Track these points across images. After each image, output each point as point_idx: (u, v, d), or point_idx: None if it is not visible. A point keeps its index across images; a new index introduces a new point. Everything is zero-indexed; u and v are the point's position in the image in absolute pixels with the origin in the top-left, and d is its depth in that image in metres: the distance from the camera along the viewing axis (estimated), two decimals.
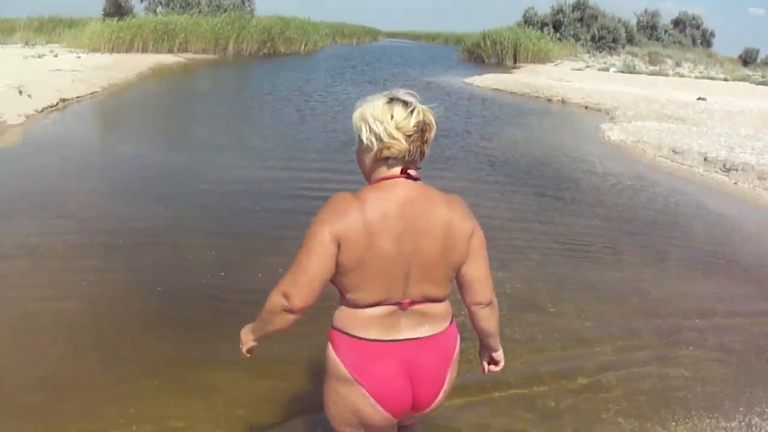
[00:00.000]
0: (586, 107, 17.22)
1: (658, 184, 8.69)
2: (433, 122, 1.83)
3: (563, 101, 18.36)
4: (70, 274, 4.51)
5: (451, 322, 1.97)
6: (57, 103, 12.16)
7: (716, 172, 9.50)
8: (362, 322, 1.85)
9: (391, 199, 1.79)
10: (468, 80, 23.07)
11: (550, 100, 18.79)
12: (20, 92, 11.68)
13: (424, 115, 1.80)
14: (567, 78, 24.78)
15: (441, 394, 1.96)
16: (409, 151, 1.79)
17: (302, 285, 1.78)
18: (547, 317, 4.32)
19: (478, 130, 12.21)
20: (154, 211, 6.06)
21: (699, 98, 17.77)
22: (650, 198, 7.88)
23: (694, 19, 46.96)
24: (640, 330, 4.23)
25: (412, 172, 1.83)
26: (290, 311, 1.82)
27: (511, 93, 20.13)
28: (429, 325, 1.90)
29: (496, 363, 2.16)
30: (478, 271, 1.90)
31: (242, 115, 12.98)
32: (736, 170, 9.32)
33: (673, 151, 10.50)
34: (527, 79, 23.70)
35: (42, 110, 11.30)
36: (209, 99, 15.42)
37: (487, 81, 22.77)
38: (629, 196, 7.96)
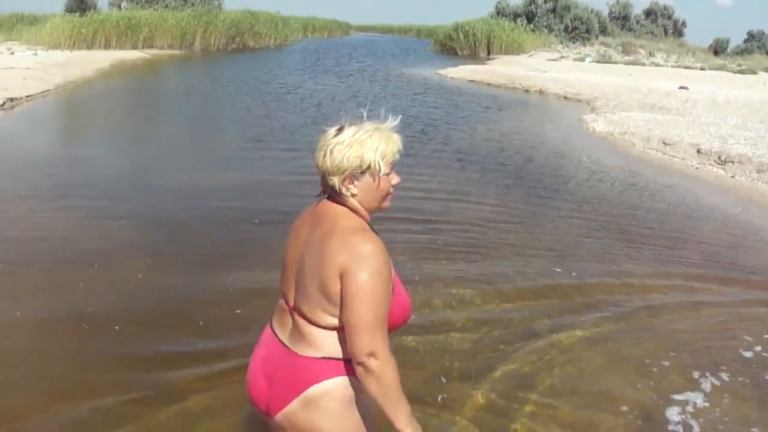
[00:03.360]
0: (566, 97, 16.69)
1: (652, 179, 8.08)
2: (334, 162, 1.82)
3: (541, 92, 17.82)
4: None
5: (323, 359, 1.84)
6: (3, 103, 11.21)
7: (711, 164, 8.97)
8: (276, 308, 2.01)
9: (310, 211, 1.96)
10: (442, 72, 22.48)
11: (527, 90, 18.24)
12: None
13: (328, 150, 1.82)
14: (543, 68, 24.29)
15: (282, 417, 1.86)
16: (322, 174, 1.89)
17: None
18: (542, 331, 3.72)
19: (458, 123, 11.58)
20: (88, 226, 5.28)
21: (681, 87, 17.37)
22: (647, 196, 7.28)
23: (665, 9, 47.05)
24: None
25: (334, 192, 1.88)
26: None
27: (488, 84, 19.56)
28: (296, 339, 1.89)
29: None
30: (346, 318, 1.77)
31: (201, 114, 12.14)
32: (732, 162, 8.79)
33: (664, 143, 9.96)
34: (503, 70, 23.15)
35: None
36: (171, 97, 14.55)
37: (462, 72, 22.19)
38: (624, 193, 7.36)
